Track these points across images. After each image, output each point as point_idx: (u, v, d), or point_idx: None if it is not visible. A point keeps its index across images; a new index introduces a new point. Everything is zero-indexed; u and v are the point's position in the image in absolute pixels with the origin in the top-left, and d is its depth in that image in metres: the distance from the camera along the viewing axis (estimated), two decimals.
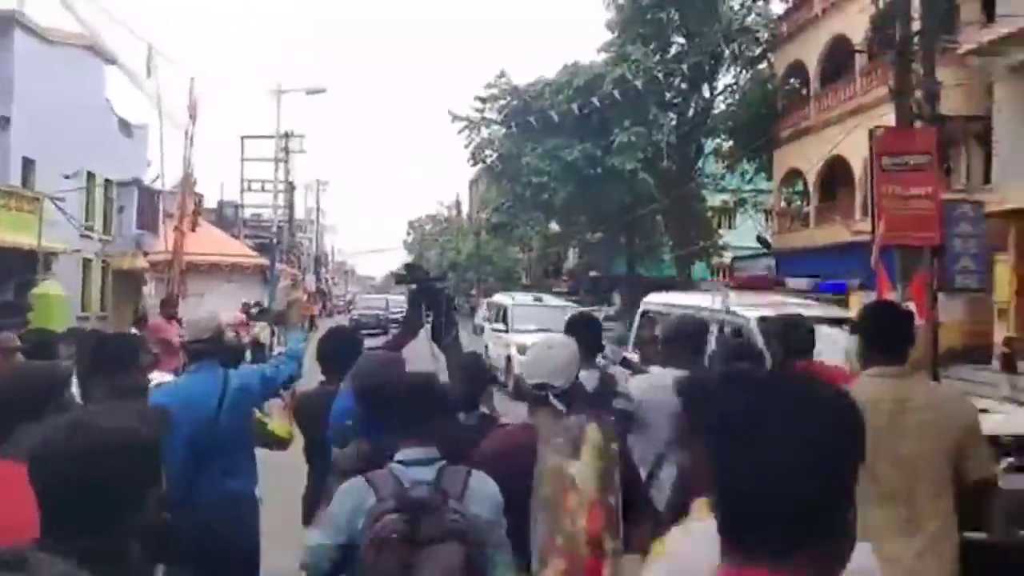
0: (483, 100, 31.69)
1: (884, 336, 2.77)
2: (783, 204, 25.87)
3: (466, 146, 32.34)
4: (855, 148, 16.06)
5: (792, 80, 24.93)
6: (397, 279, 4.38)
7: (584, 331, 3.40)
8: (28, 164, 18.33)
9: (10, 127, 17.35)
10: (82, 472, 1.25)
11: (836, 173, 20.87)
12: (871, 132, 10.11)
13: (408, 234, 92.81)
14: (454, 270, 61.59)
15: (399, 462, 2.22)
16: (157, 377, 3.79)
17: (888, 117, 11.71)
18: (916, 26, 10.48)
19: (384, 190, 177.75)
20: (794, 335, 4.02)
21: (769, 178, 26.44)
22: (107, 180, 22.15)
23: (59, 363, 3.23)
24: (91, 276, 22.01)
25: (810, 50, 22.47)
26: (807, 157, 20.73)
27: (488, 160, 33.17)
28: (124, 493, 1.28)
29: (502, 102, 31.36)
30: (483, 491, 2.21)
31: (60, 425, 1.34)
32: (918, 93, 10.22)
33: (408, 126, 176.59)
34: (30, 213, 16.84)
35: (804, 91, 23.88)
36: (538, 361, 2.53)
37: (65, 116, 18.84)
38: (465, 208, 67.64)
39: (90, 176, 21.03)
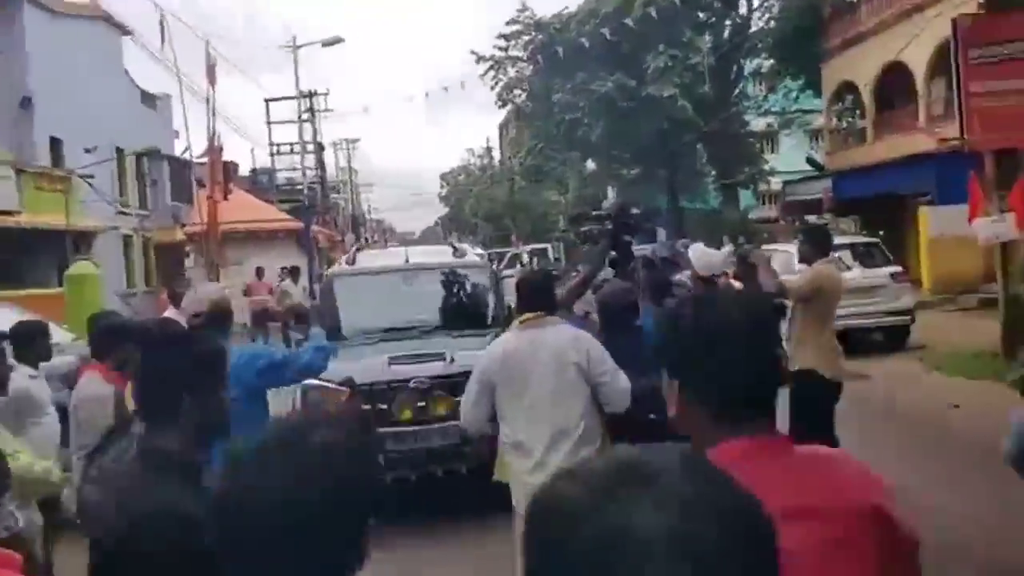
0: (506, 37, 30.49)
1: None
2: (835, 121, 24.40)
3: (492, 87, 31.31)
4: (917, 52, 14.76)
5: None
6: (574, 219, 5.29)
7: None
8: (55, 143, 18.03)
9: (32, 107, 17.00)
10: None
11: (894, 82, 19.46)
12: (955, 21, 9.00)
13: (442, 187, 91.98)
14: (489, 220, 60.66)
15: None
16: None
17: (964, 8, 10.50)
18: None
19: (415, 143, 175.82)
20: None
21: (817, 95, 24.94)
22: (136, 153, 21.81)
23: None
24: (133, 252, 21.90)
25: None
26: (861, 68, 19.32)
27: (517, 101, 32.13)
28: None
29: (526, 38, 30.15)
30: None
31: None
32: None
33: (433, 73, 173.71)
34: (62, 192, 16.54)
35: None
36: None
37: (86, 92, 18.43)
38: (496, 155, 66.47)
39: (119, 151, 20.70)
